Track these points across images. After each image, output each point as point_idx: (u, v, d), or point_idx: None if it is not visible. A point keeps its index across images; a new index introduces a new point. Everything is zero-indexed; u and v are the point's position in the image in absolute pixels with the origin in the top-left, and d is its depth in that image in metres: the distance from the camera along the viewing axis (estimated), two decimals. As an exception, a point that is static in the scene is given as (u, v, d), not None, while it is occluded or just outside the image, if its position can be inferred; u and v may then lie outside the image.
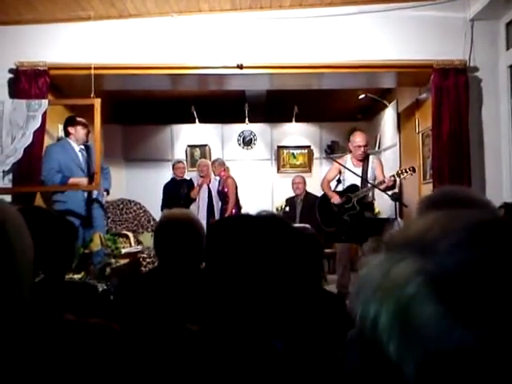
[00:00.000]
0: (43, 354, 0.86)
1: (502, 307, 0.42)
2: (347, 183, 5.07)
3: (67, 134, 4.75)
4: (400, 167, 6.32)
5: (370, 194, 5.08)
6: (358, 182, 5.00)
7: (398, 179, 4.83)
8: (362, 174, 4.97)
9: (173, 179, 7.03)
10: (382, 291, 0.47)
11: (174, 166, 7.13)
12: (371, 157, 5.19)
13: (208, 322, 1.07)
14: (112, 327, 0.98)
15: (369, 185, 4.91)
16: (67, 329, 0.92)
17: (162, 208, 6.52)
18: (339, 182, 5.20)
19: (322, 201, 5.22)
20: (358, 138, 5.06)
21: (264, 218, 1.10)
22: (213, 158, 7.47)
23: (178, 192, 6.72)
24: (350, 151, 5.19)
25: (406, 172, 4.78)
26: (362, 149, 5.00)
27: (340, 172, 5.18)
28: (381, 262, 0.51)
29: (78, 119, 4.77)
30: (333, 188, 5.22)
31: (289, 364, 0.99)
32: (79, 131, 4.71)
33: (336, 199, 5.00)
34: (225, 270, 1.05)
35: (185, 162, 7.49)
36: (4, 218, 0.79)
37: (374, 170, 5.04)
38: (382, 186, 4.79)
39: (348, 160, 5.14)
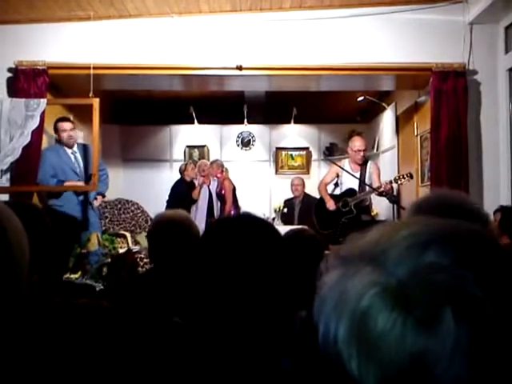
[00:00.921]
0: (36, 340, 0.86)
1: (451, 311, 0.43)
2: (345, 187, 5.10)
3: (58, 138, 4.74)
4: (398, 170, 6.33)
5: (367, 198, 5.10)
6: (355, 186, 5.03)
7: (395, 185, 4.85)
8: (361, 178, 5.00)
9: (182, 180, 6.96)
10: (339, 307, 0.48)
11: (185, 167, 7.03)
12: (369, 162, 5.23)
13: (201, 325, 1.06)
14: (100, 305, 0.98)
15: (367, 189, 4.94)
16: (56, 310, 0.92)
17: (168, 209, 6.43)
18: (336, 185, 5.23)
19: (320, 204, 5.23)
20: (358, 143, 5.10)
21: (253, 222, 1.09)
22: (211, 159, 7.46)
23: (189, 194, 6.69)
24: (348, 155, 5.23)
25: (404, 178, 4.81)
26: (362, 153, 5.04)
27: (338, 175, 5.21)
28: (338, 277, 0.51)
29: (59, 122, 4.68)
30: (330, 191, 5.24)
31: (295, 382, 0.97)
32: (61, 135, 4.65)
33: (331, 205, 5.03)
34: (219, 276, 1.03)
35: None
36: (1, 216, 0.79)
37: (371, 174, 5.08)
38: (379, 191, 4.83)
39: (346, 164, 5.17)
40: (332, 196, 5.16)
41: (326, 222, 4.98)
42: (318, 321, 0.51)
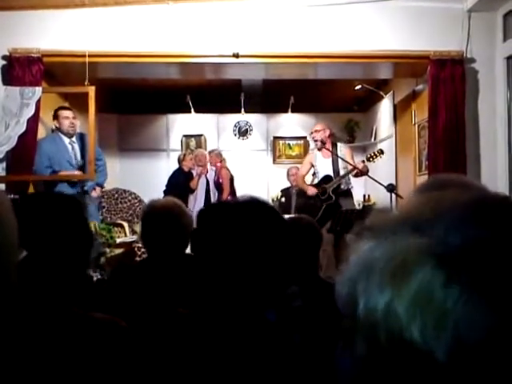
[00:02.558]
0: (49, 344, 0.85)
1: None
2: (321, 175, 5.14)
3: (57, 127, 4.71)
4: (396, 159, 6.34)
5: (345, 182, 5.14)
6: (330, 172, 5.11)
7: (367, 163, 4.95)
8: (333, 163, 5.06)
9: (180, 170, 6.93)
10: (390, 277, 0.46)
11: (183, 157, 7.00)
12: (339, 145, 5.30)
13: (198, 306, 1.07)
14: (118, 323, 0.98)
15: (341, 173, 5.01)
16: (75, 321, 0.92)
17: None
18: (314, 175, 5.30)
19: (299, 196, 5.31)
20: (314, 127, 5.33)
21: (250, 203, 1.09)
22: (209, 149, 7.44)
23: (187, 184, 6.67)
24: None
25: (375, 155, 4.97)
26: (312, 135, 5.21)
27: (312, 165, 5.29)
28: (376, 246, 0.49)
29: (61, 110, 4.68)
30: (310, 182, 5.32)
31: (282, 336, 0.99)
32: (63, 123, 4.63)
33: (311, 190, 5.10)
34: (215, 257, 1.04)
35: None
36: None
37: (344, 157, 5.11)
38: (354, 172, 4.94)
39: (317, 154, 5.22)
40: (310, 185, 5.24)
41: (306, 213, 4.98)
42: (355, 291, 0.49)
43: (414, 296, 0.45)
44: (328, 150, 5.07)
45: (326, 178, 5.08)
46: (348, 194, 5.21)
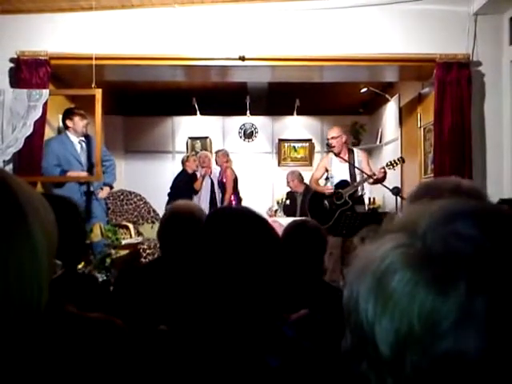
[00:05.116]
0: (44, 346, 0.84)
1: (465, 280, 0.46)
2: (336, 180, 5.07)
3: (66, 127, 4.74)
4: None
5: (360, 188, 5.07)
6: (346, 177, 5.01)
7: (387, 170, 4.84)
8: (350, 168, 4.98)
9: (184, 172, 6.94)
10: (365, 268, 0.52)
11: (187, 159, 7.01)
12: (355, 150, 5.20)
13: (205, 317, 1.04)
14: (114, 322, 0.97)
15: (358, 179, 4.93)
16: (69, 321, 0.90)
17: (170, 200, 6.34)
18: (327, 179, 5.21)
19: (313, 199, 5.21)
20: (330, 131, 5.18)
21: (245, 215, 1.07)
22: (216, 149, 7.46)
23: (191, 185, 6.68)
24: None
25: (396, 163, 4.83)
26: (329, 141, 5.07)
27: (327, 170, 5.19)
28: (367, 246, 0.55)
29: (76, 111, 4.74)
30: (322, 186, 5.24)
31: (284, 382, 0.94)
32: (77, 123, 4.68)
33: (328, 189, 5.01)
34: (217, 268, 1.02)
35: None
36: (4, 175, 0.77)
37: (360, 163, 5.04)
38: (371, 180, 4.83)
39: (333, 158, 5.15)
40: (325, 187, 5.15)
41: (321, 216, 4.92)
42: (346, 284, 0.54)
43: (372, 282, 0.50)
44: (343, 159, 4.98)
45: (343, 183, 4.98)
46: (362, 200, 5.17)
